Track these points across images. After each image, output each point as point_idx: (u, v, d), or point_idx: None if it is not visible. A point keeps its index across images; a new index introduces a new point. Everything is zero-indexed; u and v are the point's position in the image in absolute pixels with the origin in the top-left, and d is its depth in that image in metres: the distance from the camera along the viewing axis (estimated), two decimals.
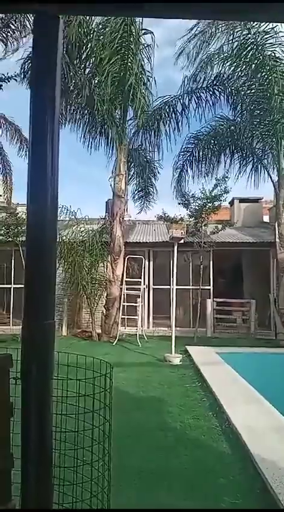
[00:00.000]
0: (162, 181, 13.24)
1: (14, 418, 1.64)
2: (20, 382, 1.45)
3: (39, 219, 1.46)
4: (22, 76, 10.19)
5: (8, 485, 1.67)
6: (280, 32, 9.98)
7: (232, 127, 12.06)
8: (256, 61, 10.32)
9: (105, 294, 11.28)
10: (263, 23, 9.38)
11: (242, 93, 11.16)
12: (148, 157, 13.81)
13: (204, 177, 12.67)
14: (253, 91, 11.08)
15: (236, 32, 10.32)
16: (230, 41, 10.50)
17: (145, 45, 10.46)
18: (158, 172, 14.32)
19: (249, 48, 10.22)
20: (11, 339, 9.54)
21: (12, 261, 12.53)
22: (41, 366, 1.41)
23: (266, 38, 10.16)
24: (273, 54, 10.29)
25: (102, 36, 9.98)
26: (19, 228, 11.16)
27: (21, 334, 1.43)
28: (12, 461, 1.67)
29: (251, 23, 9.49)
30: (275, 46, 10.25)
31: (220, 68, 11.09)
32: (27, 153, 1.55)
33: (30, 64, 9.76)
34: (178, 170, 13.10)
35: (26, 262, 1.49)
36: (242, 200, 16.45)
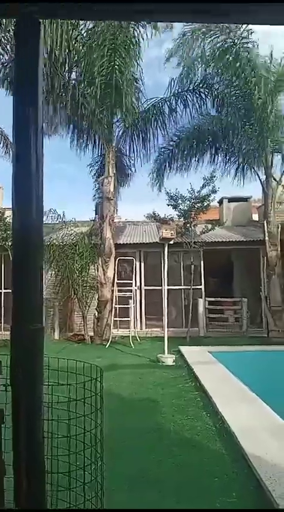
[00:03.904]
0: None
1: (5, 425, 1.63)
2: (10, 389, 1.44)
3: (25, 222, 1.45)
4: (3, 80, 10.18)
5: (0, 492, 1.65)
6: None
7: (216, 126, 12.12)
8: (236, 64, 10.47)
9: (97, 297, 11.24)
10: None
11: (227, 95, 11.28)
12: (125, 162, 13.85)
13: (185, 171, 12.77)
14: (236, 93, 11.20)
15: (216, 35, 10.43)
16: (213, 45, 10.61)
17: (133, 47, 10.42)
18: (128, 176, 14.40)
19: (229, 51, 10.35)
20: (2, 345, 9.45)
21: (2, 265, 12.45)
22: (30, 372, 1.40)
23: (243, 42, 10.31)
24: (249, 57, 10.45)
25: (89, 40, 9.91)
26: (8, 232, 11.06)
27: (10, 340, 1.42)
28: (4, 469, 1.65)
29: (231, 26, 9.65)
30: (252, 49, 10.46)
31: (207, 70, 11.24)
32: (11, 157, 1.55)
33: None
34: (167, 171, 13.15)
35: (12, 266, 1.47)
36: (231, 199, 16.55)
